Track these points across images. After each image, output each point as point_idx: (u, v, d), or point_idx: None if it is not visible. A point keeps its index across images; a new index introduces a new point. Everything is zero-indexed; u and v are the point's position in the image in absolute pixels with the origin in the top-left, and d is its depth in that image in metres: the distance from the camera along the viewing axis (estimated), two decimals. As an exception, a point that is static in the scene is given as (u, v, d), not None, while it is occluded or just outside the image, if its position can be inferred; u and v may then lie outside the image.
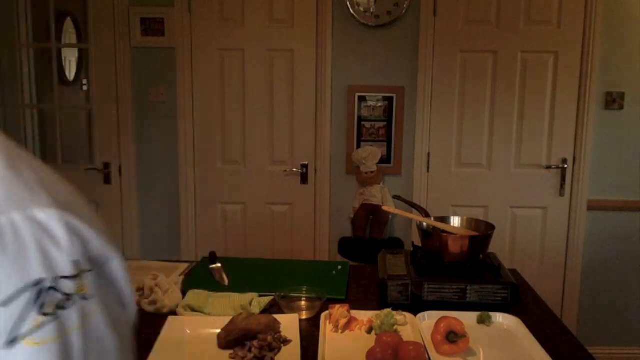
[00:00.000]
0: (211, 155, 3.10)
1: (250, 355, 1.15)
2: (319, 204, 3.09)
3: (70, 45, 4.15)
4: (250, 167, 3.10)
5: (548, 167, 3.00)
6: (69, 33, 3.99)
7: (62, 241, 0.50)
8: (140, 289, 1.47)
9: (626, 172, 2.98)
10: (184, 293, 1.47)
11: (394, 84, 2.99)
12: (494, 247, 1.55)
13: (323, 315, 1.35)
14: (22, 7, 3.29)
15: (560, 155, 2.99)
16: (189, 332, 1.29)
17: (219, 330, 1.24)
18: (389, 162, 3.04)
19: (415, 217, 1.64)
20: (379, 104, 3.00)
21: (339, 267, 1.77)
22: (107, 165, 3.11)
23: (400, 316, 1.34)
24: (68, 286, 0.49)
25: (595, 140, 2.96)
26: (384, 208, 1.83)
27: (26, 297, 0.47)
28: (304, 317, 1.38)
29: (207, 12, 2.98)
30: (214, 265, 1.73)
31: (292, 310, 1.40)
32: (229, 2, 2.97)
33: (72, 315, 0.49)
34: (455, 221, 1.64)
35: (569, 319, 3.06)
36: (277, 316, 1.30)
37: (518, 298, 1.41)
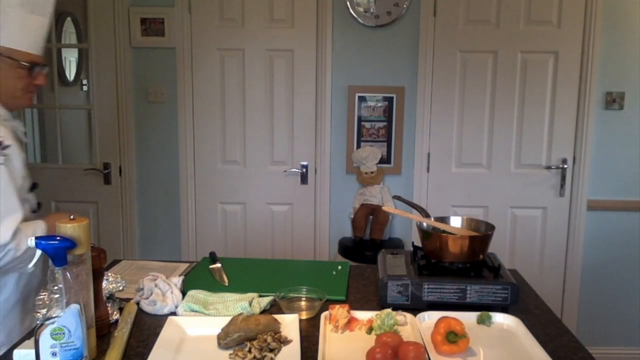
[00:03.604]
0: (211, 155, 3.11)
1: (250, 356, 1.15)
2: (319, 204, 3.09)
3: (70, 45, 4.15)
4: (250, 167, 3.10)
5: (548, 167, 3.00)
6: (69, 33, 3.99)
7: None
8: (140, 289, 1.47)
9: (626, 172, 2.98)
10: (184, 293, 1.47)
11: (394, 84, 2.99)
12: (494, 247, 1.55)
13: (323, 315, 1.35)
14: (22, 7, 3.29)
15: (560, 155, 2.99)
16: (189, 332, 1.29)
17: (219, 331, 1.24)
18: (389, 162, 3.04)
19: (415, 217, 1.64)
20: (379, 104, 3.00)
21: (339, 267, 1.77)
22: (107, 165, 3.11)
23: (400, 316, 1.34)
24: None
25: (595, 140, 2.96)
26: (384, 208, 1.83)
27: None
28: (304, 317, 1.38)
29: (207, 12, 2.99)
30: (214, 265, 1.73)
31: (292, 310, 1.40)
32: (229, 2, 2.97)
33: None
34: (455, 221, 1.64)
35: (569, 319, 3.06)
36: (277, 316, 1.30)
37: (518, 298, 1.41)
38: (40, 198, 3.34)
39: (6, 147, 1.47)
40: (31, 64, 1.56)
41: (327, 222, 3.11)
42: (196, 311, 1.39)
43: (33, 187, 1.66)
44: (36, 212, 1.65)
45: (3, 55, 1.51)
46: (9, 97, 1.58)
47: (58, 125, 3.16)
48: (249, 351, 1.16)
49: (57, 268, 1.07)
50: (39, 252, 1.08)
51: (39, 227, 1.50)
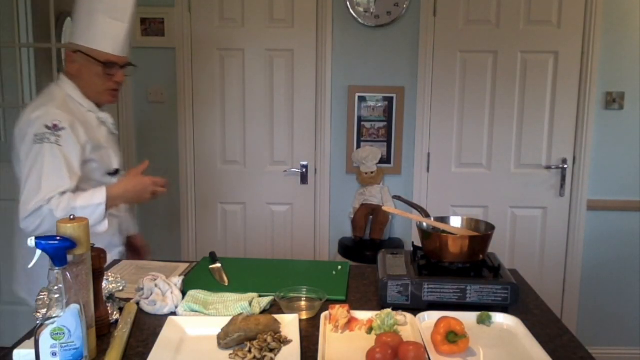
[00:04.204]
0: (211, 155, 3.11)
1: (250, 356, 1.15)
2: (319, 204, 3.09)
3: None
4: (250, 167, 3.10)
5: (548, 167, 3.00)
6: (69, 33, 3.98)
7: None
8: (140, 289, 1.47)
9: (626, 172, 2.98)
10: (184, 293, 1.47)
11: (394, 84, 2.99)
12: (494, 247, 1.55)
13: (323, 315, 1.35)
14: (22, 7, 3.29)
15: (560, 155, 2.99)
16: (188, 332, 1.29)
17: (219, 331, 1.24)
18: (389, 162, 3.04)
19: (415, 217, 1.63)
20: (379, 104, 3.00)
21: (339, 267, 1.76)
22: (107, 165, 3.10)
23: (400, 316, 1.34)
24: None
25: (595, 140, 2.96)
26: (384, 208, 1.83)
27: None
28: (304, 317, 1.38)
29: (207, 12, 2.99)
30: (214, 265, 1.73)
31: (292, 310, 1.40)
32: (229, 2, 2.97)
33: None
34: (455, 221, 1.64)
35: (569, 319, 3.06)
36: (277, 316, 1.30)
37: (518, 298, 1.41)
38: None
39: (60, 129, 1.67)
40: (108, 63, 1.77)
41: (327, 222, 3.10)
42: (196, 311, 1.39)
43: (115, 172, 1.86)
44: None
45: (85, 54, 1.75)
46: (93, 92, 1.81)
47: (58, 125, 3.15)
48: (249, 351, 1.16)
49: (57, 268, 1.07)
50: (38, 252, 1.08)
51: (97, 193, 1.68)
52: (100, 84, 1.79)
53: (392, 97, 2.99)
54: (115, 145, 1.95)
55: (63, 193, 1.63)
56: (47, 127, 1.66)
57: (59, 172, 1.65)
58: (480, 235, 1.53)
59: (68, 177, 1.65)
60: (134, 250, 2.14)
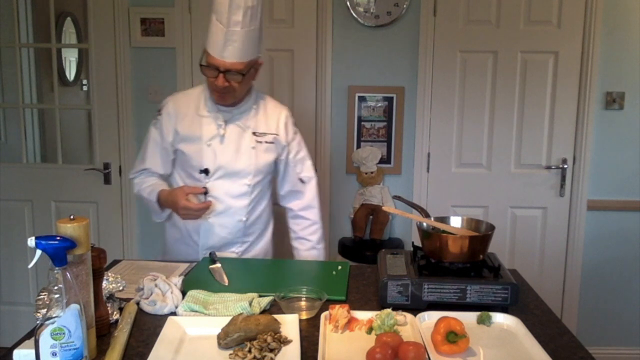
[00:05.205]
0: (211, 155, 3.10)
1: (250, 356, 1.15)
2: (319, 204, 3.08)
3: (70, 46, 4.15)
4: (250, 167, 3.09)
5: (548, 167, 3.00)
6: (69, 33, 3.99)
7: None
8: (140, 289, 1.47)
9: (626, 172, 2.98)
10: (184, 293, 1.47)
11: (394, 84, 2.99)
12: (494, 247, 1.55)
13: (323, 315, 1.35)
14: (22, 7, 3.29)
15: (560, 155, 2.99)
16: (188, 332, 1.29)
17: (219, 331, 1.24)
18: (389, 162, 3.04)
19: (415, 217, 1.64)
20: (379, 104, 3.00)
21: (339, 267, 1.77)
22: (107, 165, 3.11)
23: (400, 316, 1.34)
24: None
25: (595, 140, 2.96)
26: (384, 208, 1.83)
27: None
28: (304, 317, 1.38)
29: (207, 12, 2.97)
30: (214, 265, 1.73)
31: (292, 310, 1.40)
32: (229, 2, 2.96)
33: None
34: (455, 221, 1.64)
35: (569, 319, 3.06)
36: (277, 316, 1.30)
37: (518, 298, 1.41)
38: (40, 198, 3.32)
39: (160, 114, 1.94)
40: (203, 64, 1.79)
41: (327, 222, 3.10)
42: (196, 311, 1.39)
43: (205, 171, 1.89)
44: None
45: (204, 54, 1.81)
46: (211, 91, 1.86)
47: (58, 125, 3.16)
48: (249, 351, 1.16)
49: (57, 268, 1.07)
50: (38, 252, 1.08)
51: (154, 192, 1.88)
52: (209, 84, 1.83)
53: (392, 97, 2.99)
54: (226, 147, 1.88)
55: (145, 170, 1.95)
56: (157, 110, 1.96)
57: (145, 151, 1.97)
58: (480, 235, 1.53)
59: (149, 158, 1.95)
60: None
